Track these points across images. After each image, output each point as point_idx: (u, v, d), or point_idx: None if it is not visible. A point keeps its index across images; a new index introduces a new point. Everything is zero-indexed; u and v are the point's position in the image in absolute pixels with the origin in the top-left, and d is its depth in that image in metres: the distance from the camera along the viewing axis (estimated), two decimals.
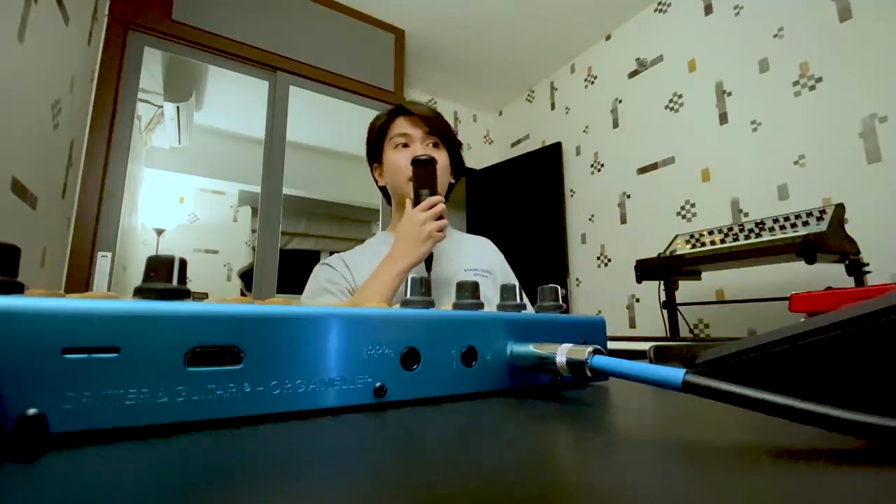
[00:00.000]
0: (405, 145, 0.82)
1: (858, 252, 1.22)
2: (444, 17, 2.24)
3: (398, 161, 0.81)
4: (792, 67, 1.63)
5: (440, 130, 0.83)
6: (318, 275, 0.80)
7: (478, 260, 0.85)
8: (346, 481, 0.11)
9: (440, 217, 0.72)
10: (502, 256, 0.93)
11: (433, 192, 0.73)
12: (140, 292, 0.17)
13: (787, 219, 1.28)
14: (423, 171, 0.74)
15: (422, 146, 0.82)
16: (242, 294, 1.91)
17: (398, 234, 0.72)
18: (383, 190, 0.91)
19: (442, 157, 0.82)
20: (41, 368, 0.13)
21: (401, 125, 0.83)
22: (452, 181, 0.89)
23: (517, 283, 0.91)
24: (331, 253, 0.86)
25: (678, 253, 1.49)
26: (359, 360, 0.20)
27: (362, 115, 2.10)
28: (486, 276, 0.82)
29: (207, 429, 0.16)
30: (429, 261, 0.74)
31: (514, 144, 3.03)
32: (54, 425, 0.13)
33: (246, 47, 1.84)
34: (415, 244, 0.70)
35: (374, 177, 0.92)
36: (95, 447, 0.13)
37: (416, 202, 0.73)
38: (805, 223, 1.24)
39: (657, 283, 1.65)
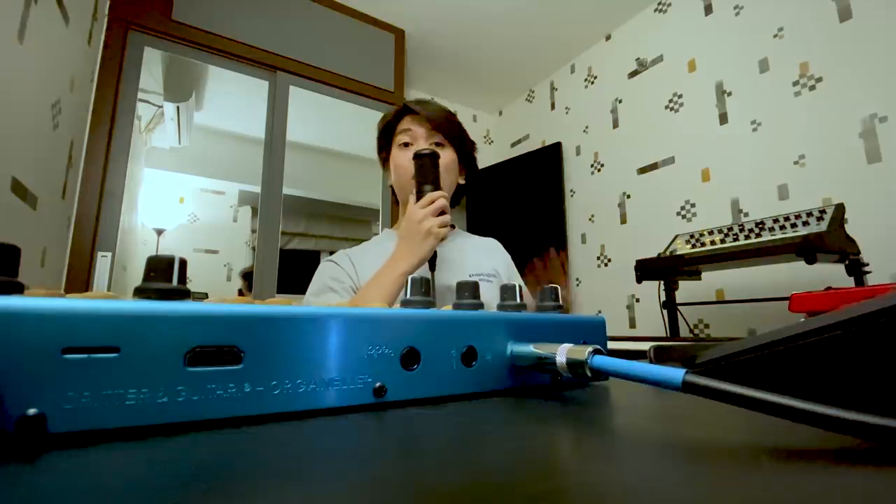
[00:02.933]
0: (408, 144, 0.81)
1: (858, 252, 1.22)
2: (444, 17, 2.24)
3: (401, 160, 0.79)
4: (792, 67, 1.63)
5: (445, 128, 0.81)
6: (323, 272, 0.78)
7: (482, 263, 0.84)
8: (346, 482, 0.11)
9: (442, 213, 0.70)
10: (509, 257, 0.92)
11: (436, 188, 0.71)
12: (140, 292, 0.17)
13: (787, 219, 1.28)
14: (425, 166, 0.71)
15: (425, 144, 0.80)
16: (241, 294, 1.92)
17: (400, 234, 0.71)
18: (392, 190, 0.90)
19: (446, 156, 0.80)
20: (41, 368, 0.13)
21: (405, 123, 0.82)
22: (461, 181, 0.86)
23: (522, 284, 0.90)
24: (331, 253, 0.85)
25: (678, 253, 1.49)
26: (359, 360, 0.20)
27: (362, 115, 2.10)
28: (490, 280, 0.81)
29: (207, 429, 0.16)
30: (432, 260, 0.72)
31: (514, 144, 3.03)
32: (54, 425, 0.13)
33: (246, 47, 1.84)
34: (416, 243, 0.67)
35: (385, 176, 0.92)
36: (95, 447, 0.13)
37: (419, 198, 0.71)
38: (805, 223, 1.23)
39: (657, 283, 1.65)
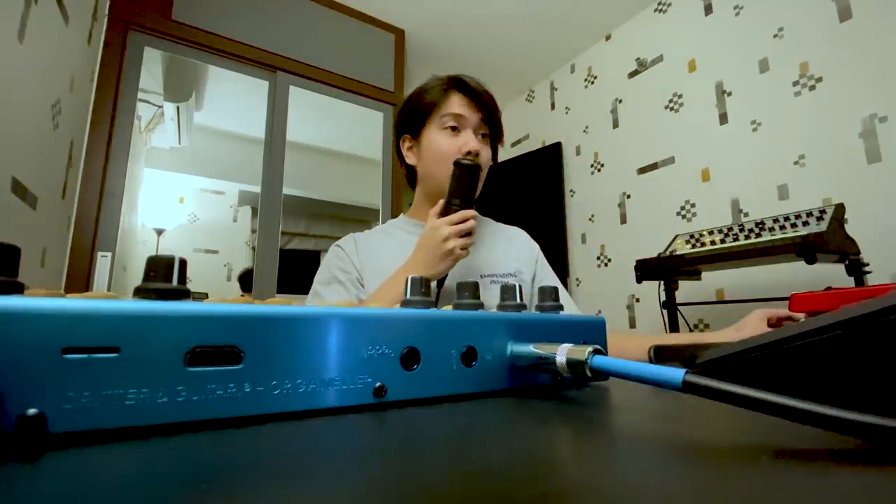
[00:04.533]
0: (455, 129, 0.73)
1: (858, 252, 1.22)
2: (444, 17, 2.24)
3: (444, 147, 0.71)
4: (792, 67, 1.63)
5: (494, 122, 0.75)
6: (331, 260, 0.75)
7: (500, 263, 0.77)
8: (346, 482, 0.11)
9: (468, 233, 0.65)
10: (537, 252, 0.84)
11: (468, 205, 0.66)
12: (140, 292, 0.17)
13: (787, 219, 1.28)
14: (464, 179, 0.65)
15: (474, 136, 0.73)
16: (242, 296, 1.91)
17: (419, 241, 0.66)
18: (410, 170, 0.81)
19: (488, 153, 0.75)
20: (41, 368, 0.13)
21: (455, 104, 0.73)
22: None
23: (557, 283, 0.83)
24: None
25: (678, 253, 1.49)
26: (359, 360, 0.20)
27: (362, 115, 2.10)
28: (503, 281, 0.75)
29: (207, 429, 0.16)
30: (442, 278, 0.68)
31: (514, 144, 3.03)
32: (54, 425, 0.13)
33: (246, 47, 1.84)
34: (434, 259, 0.63)
35: (400, 150, 0.81)
36: (95, 447, 0.13)
37: (446, 210, 0.65)
38: (805, 223, 1.23)
39: (657, 283, 1.65)
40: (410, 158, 0.79)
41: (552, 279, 0.82)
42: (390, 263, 0.68)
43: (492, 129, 0.76)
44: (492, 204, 2.80)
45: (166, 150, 1.92)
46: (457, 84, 0.74)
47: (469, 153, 0.71)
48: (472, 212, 0.65)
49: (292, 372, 0.18)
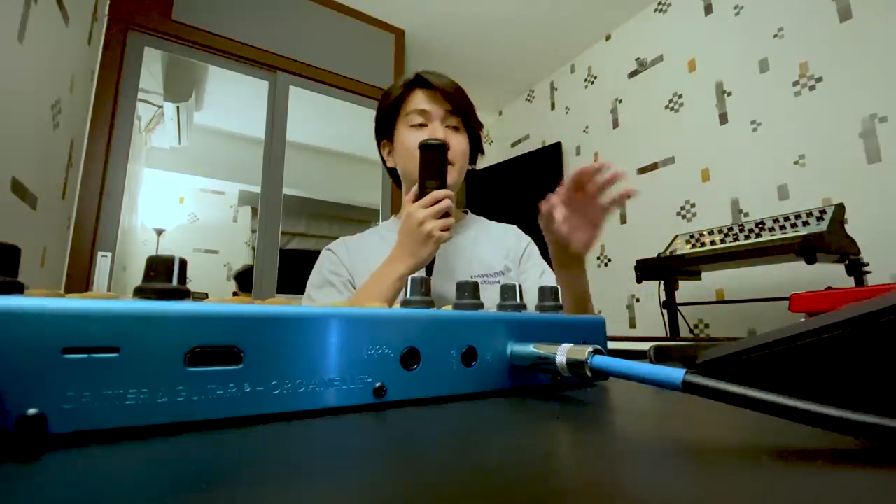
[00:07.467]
0: (422, 125, 0.73)
1: (858, 252, 1.22)
2: (444, 17, 2.24)
3: (412, 143, 0.70)
4: (792, 67, 1.63)
5: (462, 109, 0.74)
6: (322, 263, 0.76)
7: (489, 263, 0.76)
8: (346, 482, 0.11)
9: (446, 214, 0.64)
10: (525, 243, 0.83)
11: (441, 185, 0.64)
12: (140, 292, 0.17)
13: (787, 219, 1.28)
14: (433, 159, 0.64)
15: (441, 127, 0.72)
16: (235, 294, 1.91)
17: (399, 233, 0.66)
18: (392, 172, 0.82)
19: (462, 143, 0.74)
20: (41, 368, 0.13)
21: (419, 100, 0.73)
22: (471, 167, 0.80)
23: (545, 269, 0.80)
24: None
25: (678, 253, 1.49)
26: (359, 360, 0.20)
27: (362, 115, 2.10)
28: (496, 281, 0.74)
29: (207, 429, 0.16)
30: (430, 264, 0.67)
31: (514, 144, 3.03)
32: (54, 425, 0.13)
33: (246, 47, 1.84)
34: (415, 246, 0.62)
35: (381, 155, 0.82)
36: (95, 447, 0.13)
37: (421, 195, 0.64)
38: (805, 223, 1.24)
39: (657, 283, 1.65)
40: (390, 161, 0.81)
41: (538, 268, 0.80)
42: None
43: (464, 120, 0.75)
44: (492, 204, 2.80)
45: (166, 150, 1.92)
46: (418, 81, 0.74)
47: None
48: (444, 191, 0.64)
49: (292, 372, 0.18)
